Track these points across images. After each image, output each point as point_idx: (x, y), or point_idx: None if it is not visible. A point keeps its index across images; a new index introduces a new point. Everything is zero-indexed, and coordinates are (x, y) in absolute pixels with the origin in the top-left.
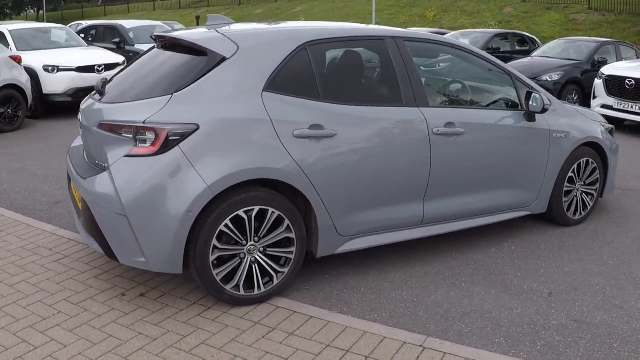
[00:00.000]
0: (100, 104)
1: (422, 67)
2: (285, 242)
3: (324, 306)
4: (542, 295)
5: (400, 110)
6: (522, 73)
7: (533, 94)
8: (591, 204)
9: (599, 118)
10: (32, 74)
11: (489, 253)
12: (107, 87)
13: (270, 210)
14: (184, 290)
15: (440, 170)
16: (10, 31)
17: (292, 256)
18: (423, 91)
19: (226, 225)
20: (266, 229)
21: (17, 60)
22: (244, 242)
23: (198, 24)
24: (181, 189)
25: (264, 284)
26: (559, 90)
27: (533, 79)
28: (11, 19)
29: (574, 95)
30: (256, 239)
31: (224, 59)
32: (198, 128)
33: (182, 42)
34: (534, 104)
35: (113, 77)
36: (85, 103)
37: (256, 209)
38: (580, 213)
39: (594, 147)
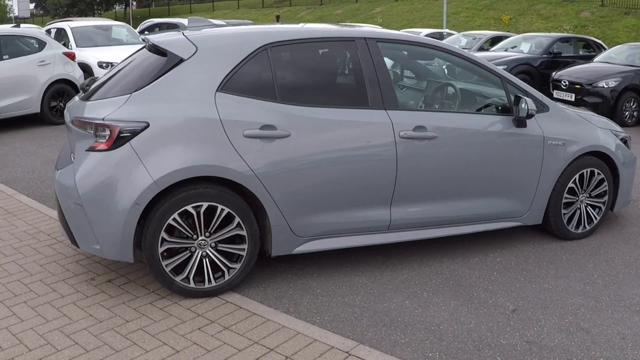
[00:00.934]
0: (79, 102)
1: (410, 70)
2: (238, 239)
3: (272, 304)
4: (504, 312)
5: (364, 113)
6: (578, 78)
7: (521, 98)
8: (598, 217)
9: (610, 126)
10: (87, 69)
11: (469, 263)
12: (92, 85)
13: (220, 207)
14: (149, 279)
15: (409, 176)
16: (71, 28)
17: (243, 253)
18: (392, 93)
19: (175, 219)
20: (216, 225)
21: (71, 56)
22: (194, 236)
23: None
24: (130, 182)
25: (215, 278)
26: (616, 98)
27: (589, 85)
28: (100, 15)
29: (632, 103)
30: (207, 234)
31: (181, 60)
32: (148, 126)
33: (151, 43)
34: (519, 109)
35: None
36: (71, 100)
37: (205, 205)
38: (585, 227)
39: (601, 157)
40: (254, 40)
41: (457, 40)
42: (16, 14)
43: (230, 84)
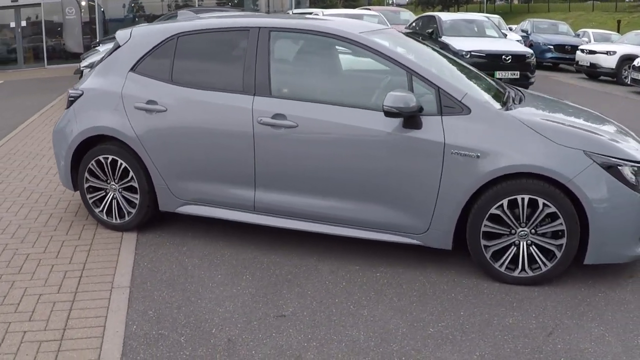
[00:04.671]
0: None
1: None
2: (134, 190)
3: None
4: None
5: (231, 97)
6: None
7: (395, 92)
8: (548, 264)
9: (594, 145)
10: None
11: (409, 275)
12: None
13: (120, 160)
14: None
15: (267, 161)
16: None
17: (137, 201)
18: (266, 80)
19: (92, 165)
20: (118, 176)
21: None
22: (109, 181)
23: (618, 30)
24: (70, 132)
25: (119, 217)
26: None
27: None
28: (457, 9)
29: None
30: (114, 182)
31: (119, 46)
32: (82, 94)
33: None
34: (385, 103)
35: None
36: None
37: (110, 157)
38: (524, 271)
39: (559, 185)
40: (168, 31)
41: None
42: (394, 1)
43: (141, 66)
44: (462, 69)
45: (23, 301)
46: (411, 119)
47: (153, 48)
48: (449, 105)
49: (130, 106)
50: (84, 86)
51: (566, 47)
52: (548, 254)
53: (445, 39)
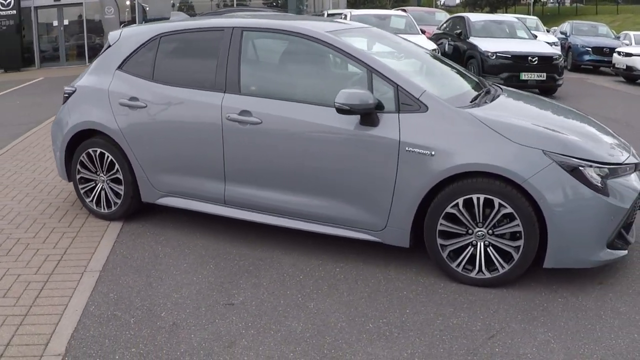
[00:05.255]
0: None
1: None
2: (118, 181)
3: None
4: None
5: (204, 94)
6: None
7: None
8: (506, 266)
9: (556, 145)
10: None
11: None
12: None
13: (106, 153)
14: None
15: (235, 156)
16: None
17: (122, 192)
18: (236, 78)
19: (83, 156)
20: (106, 168)
21: None
22: (98, 172)
23: None
24: (65, 124)
25: (106, 207)
26: None
27: None
28: (505, 10)
29: None
30: (102, 174)
31: (110, 45)
32: (75, 91)
33: None
34: (336, 100)
35: None
36: None
37: (98, 150)
38: (482, 272)
39: (514, 186)
40: (152, 31)
41: None
42: (443, 2)
43: (127, 65)
44: (446, 67)
45: (3, 280)
46: (367, 116)
47: (138, 47)
48: (407, 102)
49: (116, 102)
50: (78, 83)
51: (604, 49)
52: (506, 255)
53: (472, 39)
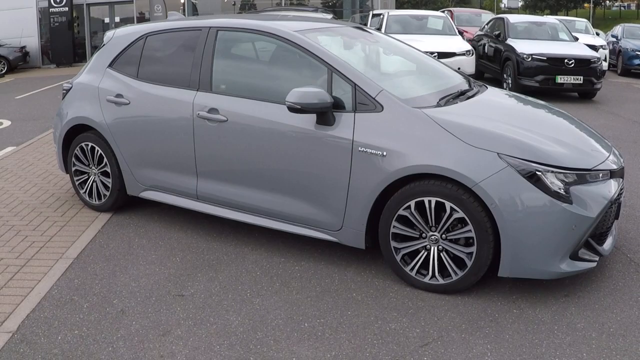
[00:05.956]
0: None
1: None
2: (108, 174)
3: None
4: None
5: (178, 91)
6: None
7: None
8: (459, 273)
9: (513, 149)
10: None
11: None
12: None
13: (97, 147)
14: None
15: (204, 153)
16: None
17: (110, 185)
18: (208, 77)
19: (77, 150)
20: (96, 161)
21: None
22: (90, 166)
23: None
24: (62, 119)
25: (97, 199)
26: None
27: None
28: (567, 13)
29: None
30: (94, 166)
31: (104, 44)
32: (72, 87)
33: None
34: (287, 99)
35: None
36: None
37: (90, 144)
38: (436, 278)
39: (466, 189)
40: (140, 31)
41: None
42: (505, 4)
43: (117, 63)
44: (435, 67)
45: None
46: (323, 115)
47: (127, 46)
48: (363, 102)
49: (104, 99)
50: (75, 80)
51: None
52: (459, 262)
53: (510, 41)
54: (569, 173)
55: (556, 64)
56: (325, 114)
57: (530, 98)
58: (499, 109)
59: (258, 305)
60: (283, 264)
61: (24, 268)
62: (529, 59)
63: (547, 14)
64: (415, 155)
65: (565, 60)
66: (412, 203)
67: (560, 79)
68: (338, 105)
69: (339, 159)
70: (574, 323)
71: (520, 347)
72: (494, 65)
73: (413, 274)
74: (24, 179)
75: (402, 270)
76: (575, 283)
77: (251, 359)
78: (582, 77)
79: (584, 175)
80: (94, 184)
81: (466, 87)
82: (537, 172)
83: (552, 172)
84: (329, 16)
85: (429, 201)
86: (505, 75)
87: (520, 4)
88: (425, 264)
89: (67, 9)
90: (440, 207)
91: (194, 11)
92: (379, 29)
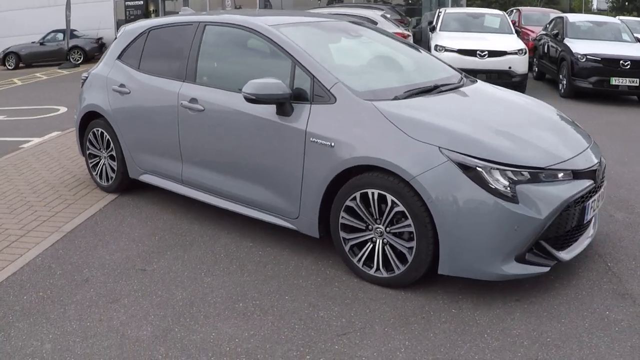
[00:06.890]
0: None
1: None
2: (112, 158)
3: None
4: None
5: (168, 82)
6: None
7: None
8: (400, 267)
9: (456, 143)
10: None
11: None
12: None
13: (105, 133)
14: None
15: (186, 140)
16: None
17: (115, 168)
18: (194, 68)
19: (90, 135)
20: (105, 145)
21: (404, 36)
22: (100, 149)
23: None
24: (81, 104)
25: (106, 180)
26: None
27: None
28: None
29: None
30: (103, 150)
31: (116, 38)
32: (88, 77)
33: None
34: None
35: None
36: None
37: (99, 130)
38: (380, 271)
39: (406, 183)
40: (145, 26)
41: None
42: (595, 6)
43: (124, 55)
44: (423, 61)
45: None
46: (281, 105)
47: (133, 40)
48: (319, 94)
49: (111, 88)
50: (91, 71)
51: None
52: (402, 256)
53: (567, 41)
54: (517, 171)
55: (611, 65)
56: (283, 104)
57: (519, 94)
58: (468, 104)
59: (206, 284)
60: (250, 249)
61: (23, 237)
62: (583, 59)
63: (634, 16)
64: (360, 147)
65: (621, 62)
66: (358, 194)
67: (615, 81)
68: (300, 96)
69: (294, 149)
70: (510, 329)
71: (440, 346)
72: (552, 65)
73: (360, 265)
74: (56, 160)
75: (350, 261)
76: (534, 288)
77: (176, 329)
78: (638, 80)
79: (537, 174)
80: (104, 167)
81: (454, 81)
82: (478, 168)
83: (498, 169)
84: (379, 13)
85: (372, 193)
86: (560, 76)
87: (607, 5)
88: (372, 256)
89: (141, 2)
90: (382, 199)
91: (267, 7)
92: (434, 27)
